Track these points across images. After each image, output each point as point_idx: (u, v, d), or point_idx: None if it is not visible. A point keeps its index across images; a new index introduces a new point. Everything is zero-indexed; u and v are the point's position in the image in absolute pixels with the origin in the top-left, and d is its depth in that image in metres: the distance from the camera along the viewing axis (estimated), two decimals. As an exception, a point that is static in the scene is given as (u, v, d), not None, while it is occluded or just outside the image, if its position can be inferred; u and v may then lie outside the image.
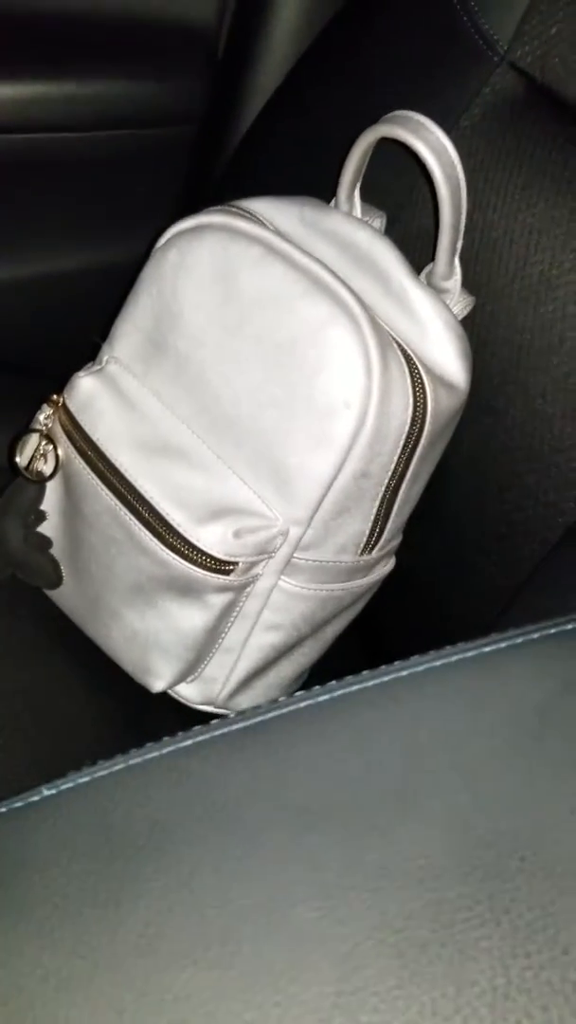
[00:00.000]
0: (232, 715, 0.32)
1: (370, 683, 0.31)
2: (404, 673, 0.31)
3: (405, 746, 0.28)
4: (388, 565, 0.59)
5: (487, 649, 0.31)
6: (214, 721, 0.32)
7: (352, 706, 0.30)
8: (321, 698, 0.31)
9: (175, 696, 0.61)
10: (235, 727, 0.31)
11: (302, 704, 0.31)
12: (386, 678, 0.31)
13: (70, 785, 0.31)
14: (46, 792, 0.31)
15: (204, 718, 0.60)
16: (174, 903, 0.27)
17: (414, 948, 0.24)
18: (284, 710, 0.31)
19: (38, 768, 0.58)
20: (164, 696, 0.60)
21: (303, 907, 0.26)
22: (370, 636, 0.66)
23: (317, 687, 0.32)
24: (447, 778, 0.27)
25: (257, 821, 0.28)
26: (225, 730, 0.31)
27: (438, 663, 0.31)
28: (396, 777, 0.28)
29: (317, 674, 0.64)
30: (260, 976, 0.25)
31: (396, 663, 0.31)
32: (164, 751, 0.31)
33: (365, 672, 0.31)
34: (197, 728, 0.31)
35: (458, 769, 0.27)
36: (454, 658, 0.31)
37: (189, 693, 0.61)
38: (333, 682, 0.32)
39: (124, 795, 0.30)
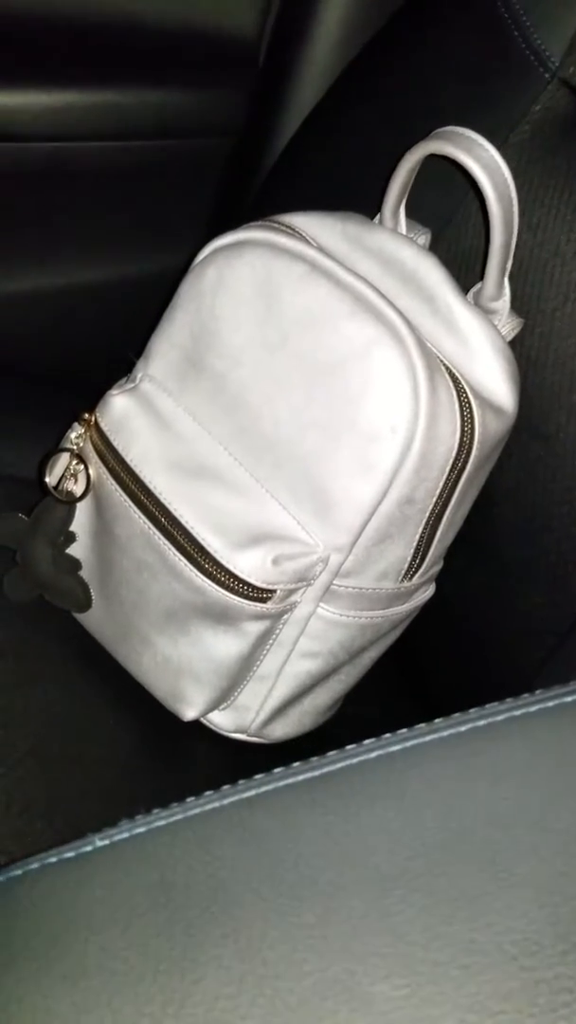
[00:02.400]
0: (298, 763, 0.30)
1: (446, 733, 0.29)
2: (482, 723, 0.29)
3: (489, 805, 0.27)
4: (429, 591, 0.58)
5: (568, 699, 0.29)
6: (277, 770, 0.30)
7: (428, 759, 0.28)
8: (393, 748, 0.29)
9: (207, 724, 0.59)
10: (301, 777, 0.29)
11: (372, 755, 0.29)
12: (463, 728, 0.29)
13: (125, 836, 0.29)
14: (99, 843, 0.30)
15: (236, 746, 0.59)
16: (245, 974, 0.25)
17: (512, 1034, 0.22)
18: (353, 760, 0.29)
19: (69, 795, 0.56)
20: (195, 723, 0.58)
21: (386, 984, 0.24)
22: (409, 663, 0.64)
23: (387, 735, 0.30)
24: (537, 842, 0.25)
25: (331, 884, 0.26)
26: (291, 780, 0.29)
27: (518, 712, 0.29)
28: (481, 840, 0.26)
29: (353, 701, 0.62)
30: (343, 1059, 0.23)
31: (472, 711, 0.29)
32: (225, 802, 0.29)
33: (439, 720, 0.30)
34: (259, 777, 0.30)
35: (548, 832, 0.26)
36: (535, 707, 0.29)
37: (221, 721, 0.59)
38: (404, 730, 0.30)
39: (184, 850, 0.28)
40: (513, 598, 0.57)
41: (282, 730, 0.60)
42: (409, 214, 0.56)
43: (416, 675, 0.65)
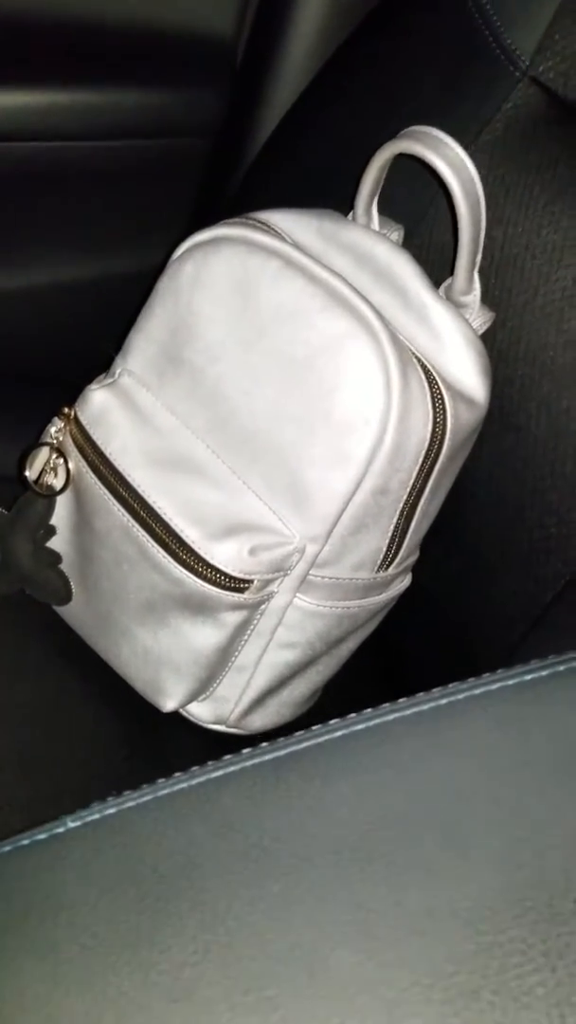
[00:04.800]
0: (266, 743, 0.31)
1: (408, 711, 0.30)
2: (443, 702, 0.30)
3: (447, 780, 0.27)
4: (405, 581, 0.59)
5: (528, 677, 0.30)
6: (245, 751, 0.31)
7: (390, 736, 0.29)
8: (357, 727, 0.30)
9: (186, 715, 0.60)
10: (267, 757, 0.30)
11: (337, 733, 0.30)
12: (424, 707, 0.30)
13: (96, 816, 0.30)
14: (71, 823, 0.30)
15: (215, 737, 0.60)
16: (210, 944, 0.25)
17: (465, 996, 0.23)
18: (319, 739, 0.30)
19: (48, 790, 0.56)
20: (175, 715, 0.59)
21: (346, 950, 0.24)
22: (386, 654, 0.65)
23: (352, 715, 0.31)
24: (493, 814, 0.26)
25: (295, 858, 0.27)
26: (257, 760, 0.30)
27: (478, 691, 0.30)
28: (440, 813, 0.27)
29: (332, 691, 0.63)
30: (302, 1023, 0.24)
31: (435, 691, 0.30)
32: (194, 782, 0.30)
33: (402, 700, 0.31)
34: (228, 758, 0.30)
35: (504, 804, 0.26)
36: (495, 686, 0.30)
37: (200, 712, 0.60)
38: (369, 710, 0.31)
39: (154, 828, 0.29)
40: (487, 587, 0.58)
41: (261, 721, 0.60)
42: (382, 210, 0.57)
43: (394, 664, 0.66)
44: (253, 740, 0.60)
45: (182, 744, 0.61)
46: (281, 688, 0.59)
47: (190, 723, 0.60)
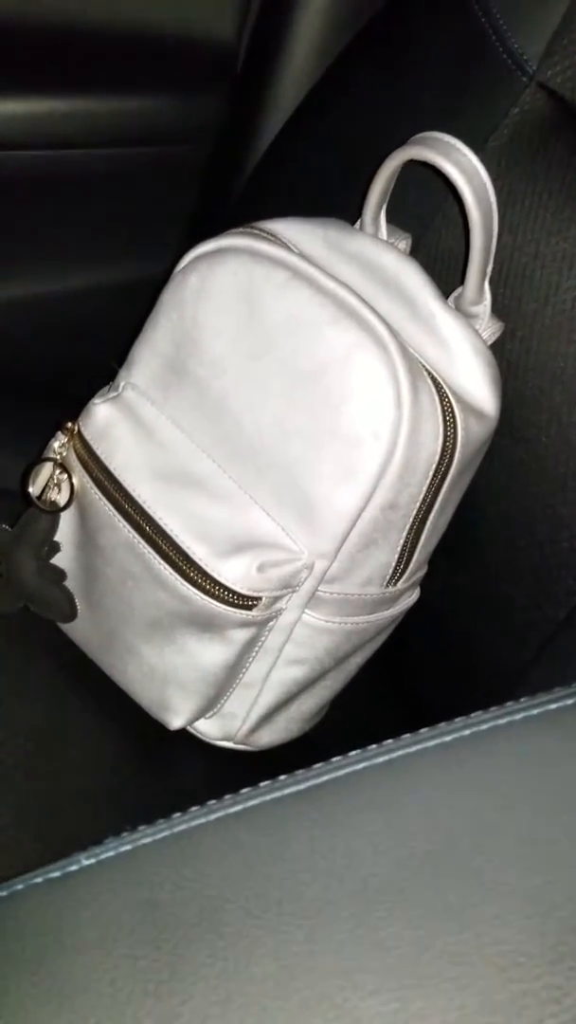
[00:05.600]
0: (284, 776, 0.30)
1: (430, 743, 0.29)
2: (467, 733, 0.29)
3: (474, 816, 0.27)
4: (413, 596, 0.58)
5: (553, 706, 0.29)
6: (263, 784, 0.30)
7: (413, 769, 0.28)
8: (378, 759, 0.29)
9: (193, 732, 0.59)
10: (287, 791, 0.29)
11: (359, 766, 0.29)
12: (447, 738, 0.29)
13: (111, 854, 0.29)
14: (85, 861, 0.29)
15: (223, 754, 0.59)
16: (232, 993, 0.25)
17: (501, 1048, 0.22)
18: (339, 773, 0.29)
19: (55, 809, 0.55)
20: (182, 732, 0.58)
21: (375, 999, 0.24)
22: (395, 668, 0.64)
23: (373, 747, 0.30)
24: (522, 853, 0.25)
25: (318, 899, 0.26)
26: (277, 795, 0.29)
27: (503, 721, 0.29)
28: (467, 851, 0.26)
29: (340, 706, 0.62)
30: (332, 1077, 0.23)
31: (457, 721, 0.29)
32: (211, 817, 0.29)
33: (423, 730, 0.30)
34: (246, 791, 0.30)
35: (534, 843, 0.26)
36: (519, 716, 0.29)
37: (208, 729, 0.59)
38: (390, 741, 0.30)
39: (171, 868, 0.28)
40: (497, 601, 0.57)
41: (269, 737, 0.60)
42: (389, 219, 0.56)
43: (402, 679, 0.65)
44: (261, 756, 0.60)
45: (190, 761, 0.60)
46: (289, 704, 0.59)
47: (198, 740, 0.59)
